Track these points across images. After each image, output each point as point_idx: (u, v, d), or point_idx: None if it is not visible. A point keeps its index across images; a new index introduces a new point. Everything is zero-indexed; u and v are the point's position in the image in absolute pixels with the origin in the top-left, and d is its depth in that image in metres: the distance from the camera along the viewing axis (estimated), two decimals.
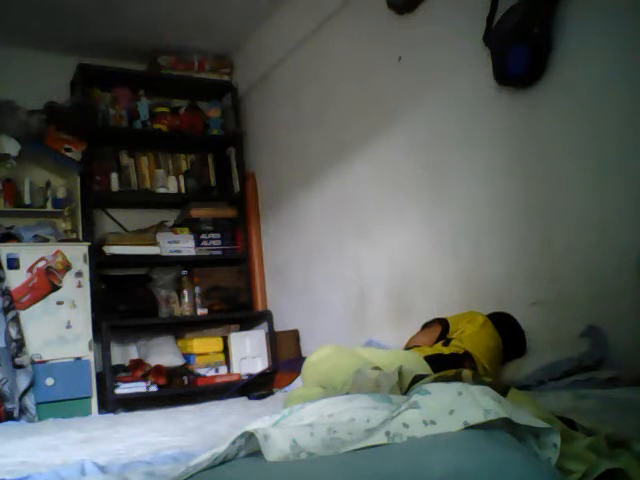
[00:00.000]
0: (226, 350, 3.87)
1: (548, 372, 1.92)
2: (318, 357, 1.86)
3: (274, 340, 3.88)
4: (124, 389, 3.46)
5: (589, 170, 2.07)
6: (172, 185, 4.01)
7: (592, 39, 2.05)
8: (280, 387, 2.85)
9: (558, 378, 1.89)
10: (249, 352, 3.87)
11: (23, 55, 3.82)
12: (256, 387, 3.27)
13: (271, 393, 2.62)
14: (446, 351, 1.97)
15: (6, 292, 3.16)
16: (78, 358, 3.32)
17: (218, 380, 3.72)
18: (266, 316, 4.01)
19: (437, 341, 2.09)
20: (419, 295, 2.81)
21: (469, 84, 2.52)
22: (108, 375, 3.43)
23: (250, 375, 3.71)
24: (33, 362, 3.14)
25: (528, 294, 2.27)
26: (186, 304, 3.86)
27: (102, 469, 1.19)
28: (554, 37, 2.15)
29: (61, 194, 3.65)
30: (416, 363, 1.80)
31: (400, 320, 2.89)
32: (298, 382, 2.38)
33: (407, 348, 2.12)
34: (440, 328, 2.14)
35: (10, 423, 2.70)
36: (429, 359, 1.87)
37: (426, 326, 2.25)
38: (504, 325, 2.12)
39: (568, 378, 1.88)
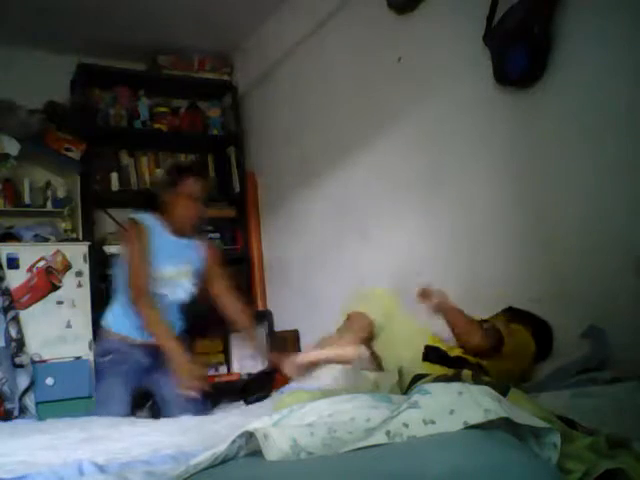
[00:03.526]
0: (226, 350, 3.87)
1: (551, 375, 1.91)
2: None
3: (274, 340, 3.88)
4: None
5: (589, 170, 2.07)
6: None
7: (592, 39, 2.05)
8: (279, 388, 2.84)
9: (559, 379, 1.89)
10: (249, 352, 3.86)
11: (23, 55, 3.81)
12: (256, 388, 3.26)
13: (268, 395, 2.60)
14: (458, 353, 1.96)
15: (6, 292, 3.16)
16: (78, 358, 3.32)
17: (218, 380, 3.72)
18: (266, 316, 4.00)
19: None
20: None
21: (469, 84, 2.52)
22: None
23: (250, 375, 3.71)
24: (33, 362, 3.14)
25: (528, 294, 2.26)
26: None
27: (101, 468, 1.19)
28: (554, 37, 2.15)
29: (61, 194, 3.65)
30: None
31: None
32: (291, 385, 2.36)
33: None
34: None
35: (10, 422, 2.69)
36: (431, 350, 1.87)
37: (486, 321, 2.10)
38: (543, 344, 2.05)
39: (568, 378, 1.88)
